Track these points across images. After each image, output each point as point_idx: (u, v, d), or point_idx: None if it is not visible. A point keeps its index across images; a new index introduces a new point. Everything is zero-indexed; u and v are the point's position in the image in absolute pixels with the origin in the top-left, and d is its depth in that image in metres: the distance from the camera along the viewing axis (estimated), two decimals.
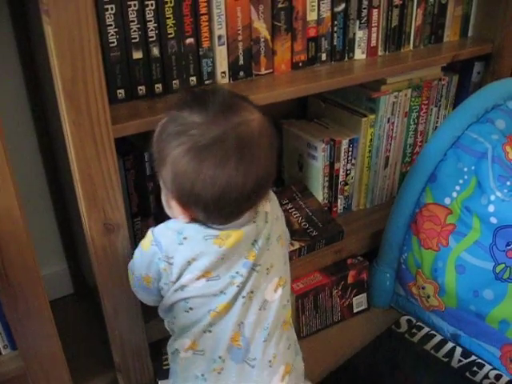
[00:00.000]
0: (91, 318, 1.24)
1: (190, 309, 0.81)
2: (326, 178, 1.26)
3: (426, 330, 1.20)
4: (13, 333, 0.85)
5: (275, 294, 0.85)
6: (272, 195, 0.87)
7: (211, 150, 0.71)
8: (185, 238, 0.78)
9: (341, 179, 1.28)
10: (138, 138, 1.03)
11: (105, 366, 1.11)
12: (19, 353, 0.87)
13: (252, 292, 0.82)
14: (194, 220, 0.79)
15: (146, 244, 0.81)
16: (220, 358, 0.82)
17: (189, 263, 0.77)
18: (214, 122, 0.72)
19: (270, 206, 0.85)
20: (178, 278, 0.79)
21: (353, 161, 1.27)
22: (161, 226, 0.82)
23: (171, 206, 0.80)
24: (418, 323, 1.21)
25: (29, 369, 0.88)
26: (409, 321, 1.22)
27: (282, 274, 0.86)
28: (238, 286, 0.79)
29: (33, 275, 0.81)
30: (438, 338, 1.17)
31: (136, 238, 1.03)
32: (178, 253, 0.78)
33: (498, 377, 1.09)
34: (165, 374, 0.99)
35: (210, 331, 0.81)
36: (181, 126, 0.73)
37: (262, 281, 0.83)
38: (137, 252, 0.84)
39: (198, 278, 0.78)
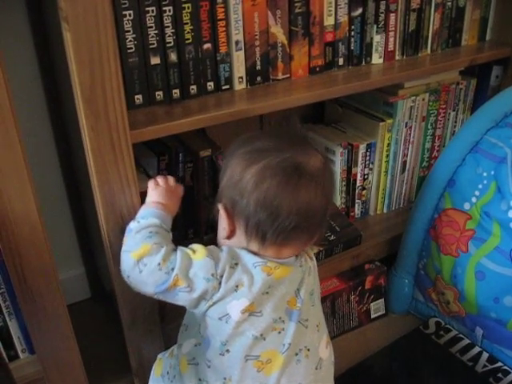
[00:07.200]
0: (108, 323, 1.25)
1: (227, 351, 0.76)
2: (344, 183, 1.26)
3: (454, 332, 1.18)
4: (31, 337, 0.86)
5: (326, 352, 0.83)
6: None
7: (275, 171, 0.74)
8: (236, 264, 0.76)
9: (358, 184, 1.27)
10: (171, 139, 1.04)
11: (122, 370, 1.11)
12: (37, 357, 0.88)
13: (308, 350, 0.79)
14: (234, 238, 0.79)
15: (199, 253, 0.77)
16: None
17: (236, 288, 0.75)
18: (283, 147, 0.76)
19: (313, 264, 0.85)
20: (223, 302, 0.75)
21: (370, 165, 1.27)
22: (213, 246, 0.80)
23: (220, 217, 0.80)
24: (447, 326, 1.20)
25: (46, 373, 0.89)
26: (437, 323, 1.21)
27: (327, 332, 0.86)
28: (279, 333, 0.77)
29: (51, 280, 0.82)
30: (466, 341, 1.15)
31: None
32: (228, 274, 0.75)
33: None
34: None
35: None
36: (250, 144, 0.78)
37: (315, 338, 0.81)
38: (178, 255, 0.76)
39: (244, 312, 0.75)
